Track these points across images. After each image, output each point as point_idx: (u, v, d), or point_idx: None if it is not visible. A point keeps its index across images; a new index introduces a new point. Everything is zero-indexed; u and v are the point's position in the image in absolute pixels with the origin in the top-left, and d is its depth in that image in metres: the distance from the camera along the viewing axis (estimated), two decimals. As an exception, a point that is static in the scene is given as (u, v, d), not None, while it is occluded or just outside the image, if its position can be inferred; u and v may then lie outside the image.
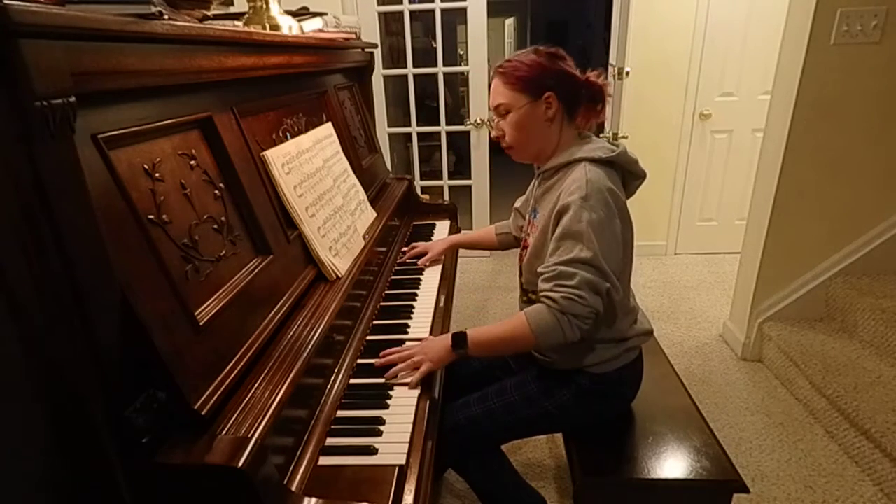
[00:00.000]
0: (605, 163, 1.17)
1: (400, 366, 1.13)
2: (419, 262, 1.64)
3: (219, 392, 0.76)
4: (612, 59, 3.04)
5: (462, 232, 1.87)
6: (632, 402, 1.36)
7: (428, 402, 1.07)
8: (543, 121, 1.20)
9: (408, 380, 1.10)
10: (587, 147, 1.19)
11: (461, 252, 2.03)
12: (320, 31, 1.65)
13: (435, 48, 3.31)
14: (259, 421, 0.77)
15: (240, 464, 0.66)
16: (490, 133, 1.34)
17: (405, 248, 1.75)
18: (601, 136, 2.57)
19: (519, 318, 1.14)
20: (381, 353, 1.17)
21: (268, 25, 1.40)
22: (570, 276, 1.09)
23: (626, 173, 1.22)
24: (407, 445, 0.94)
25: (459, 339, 1.17)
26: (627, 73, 2.64)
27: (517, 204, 1.55)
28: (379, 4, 3.17)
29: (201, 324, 0.78)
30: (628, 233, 1.19)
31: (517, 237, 1.57)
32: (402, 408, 1.03)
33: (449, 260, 1.73)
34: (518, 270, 1.36)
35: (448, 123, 3.43)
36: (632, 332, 1.26)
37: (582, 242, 1.09)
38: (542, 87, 1.17)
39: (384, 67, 3.31)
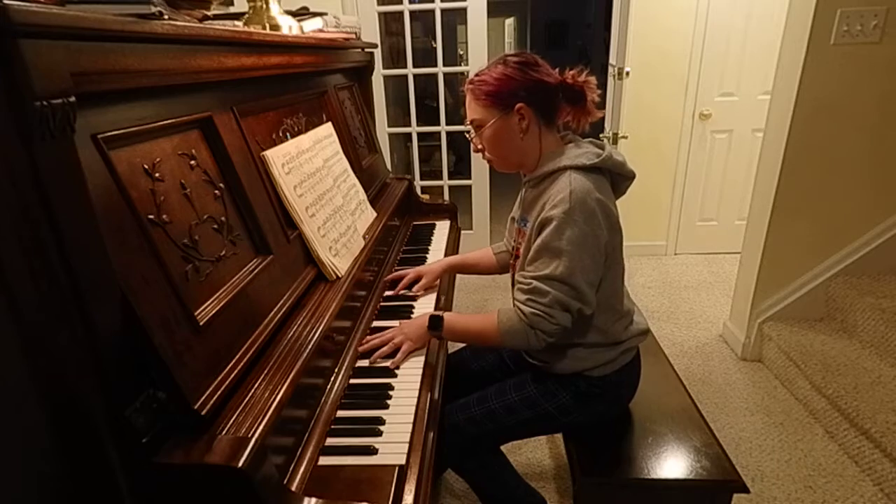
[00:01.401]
0: (591, 169, 1.14)
1: (383, 349, 1.17)
2: (413, 290, 1.48)
3: (219, 392, 0.76)
4: (612, 59, 3.04)
5: (460, 253, 1.70)
6: (630, 402, 1.36)
7: (428, 403, 1.07)
8: (517, 133, 1.17)
9: (387, 363, 1.15)
10: (572, 154, 1.16)
11: (461, 251, 2.02)
12: (320, 31, 1.65)
13: (435, 48, 3.31)
14: (259, 421, 0.77)
15: (240, 464, 0.66)
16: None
17: (397, 268, 1.59)
18: (601, 135, 2.54)
19: (491, 317, 1.18)
20: (363, 339, 1.21)
21: (268, 25, 1.40)
22: (543, 293, 1.10)
23: (615, 175, 1.20)
24: (407, 445, 0.94)
25: (436, 321, 1.22)
26: (627, 73, 2.64)
27: (513, 214, 1.47)
28: (379, 4, 3.16)
29: (201, 324, 0.78)
30: (616, 239, 1.17)
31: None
32: (402, 408, 1.03)
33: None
34: (511, 280, 1.33)
35: (448, 123, 3.43)
36: (627, 334, 1.25)
37: (559, 259, 1.09)
38: (512, 100, 1.14)
39: (384, 67, 3.31)
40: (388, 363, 1.16)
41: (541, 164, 1.20)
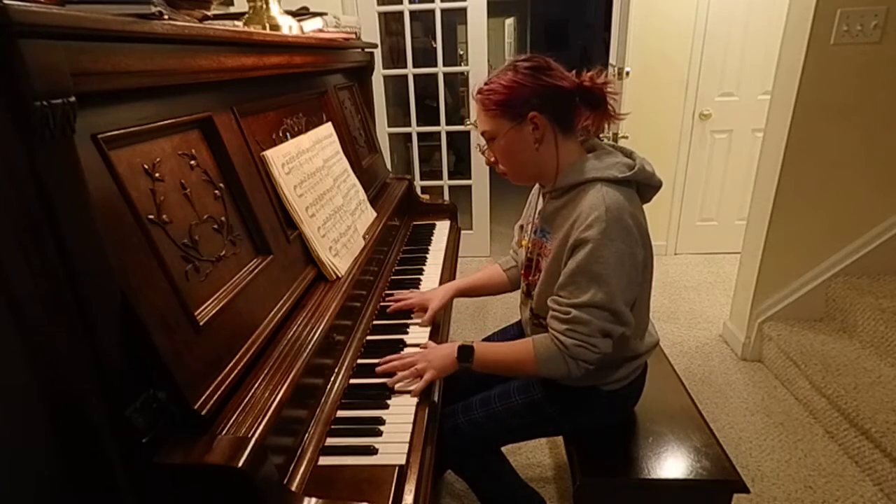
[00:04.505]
0: (622, 182, 1.08)
1: (403, 373, 1.09)
2: (422, 322, 1.34)
3: (219, 392, 0.76)
4: (612, 59, 3.04)
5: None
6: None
7: (428, 403, 1.07)
8: (532, 143, 1.09)
9: (411, 388, 1.07)
10: (600, 164, 1.09)
11: (461, 252, 2.01)
12: (320, 31, 1.65)
13: (435, 48, 3.31)
14: (259, 421, 0.77)
15: (240, 464, 0.66)
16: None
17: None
18: (601, 136, 2.54)
19: (526, 347, 1.12)
20: (382, 360, 1.13)
21: (268, 25, 1.40)
22: (584, 322, 1.04)
23: (642, 186, 1.14)
24: (407, 446, 0.94)
25: (466, 352, 1.14)
26: (627, 73, 2.65)
27: (521, 222, 1.38)
28: (379, 4, 3.16)
29: (201, 324, 0.78)
30: (648, 256, 1.13)
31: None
32: (403, 408, 1.03)
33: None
34: (524, 289, 1.29)
35: (448, 123, 3.43)
36: (643, 347, 1.23)
37: (598, 284, 1.03)
38: (524, 108, 1.07)
39: (384, 67, 3.31)
40: (410, 388, 1.08)
41: (562, 174, 1.12)
